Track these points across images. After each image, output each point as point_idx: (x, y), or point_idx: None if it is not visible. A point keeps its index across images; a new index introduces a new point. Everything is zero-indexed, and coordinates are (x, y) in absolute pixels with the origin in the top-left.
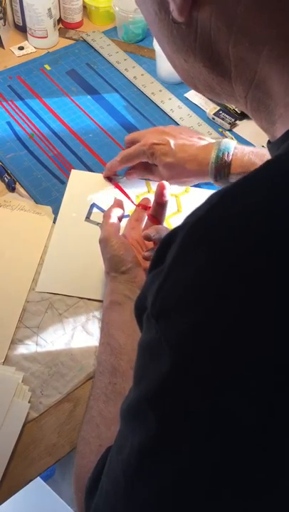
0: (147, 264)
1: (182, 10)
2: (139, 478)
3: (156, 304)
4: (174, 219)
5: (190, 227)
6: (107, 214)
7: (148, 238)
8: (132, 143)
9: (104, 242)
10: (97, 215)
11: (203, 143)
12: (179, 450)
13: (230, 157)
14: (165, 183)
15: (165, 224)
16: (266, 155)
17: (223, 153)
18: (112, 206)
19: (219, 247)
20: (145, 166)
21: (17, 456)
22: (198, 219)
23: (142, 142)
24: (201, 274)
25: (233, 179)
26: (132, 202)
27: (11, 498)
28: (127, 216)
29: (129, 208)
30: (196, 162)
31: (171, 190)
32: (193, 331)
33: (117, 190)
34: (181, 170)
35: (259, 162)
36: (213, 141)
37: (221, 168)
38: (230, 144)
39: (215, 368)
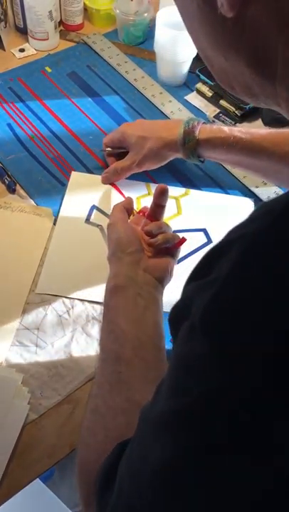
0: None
1: (233, 5)
2: (174, 492)
3: (208, 316)
4: (174, 221)
5: (251, 239)
6: (116, 205)
7: (150, 233)
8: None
9: (112, 226)
10: (97, 217)
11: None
12: (223, 467)
13: (200, 124)
14: (165, 185)
15: None
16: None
17: (193, 120)
18: (123, 201)
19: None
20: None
21: (16, 457)
22: (259, 231)
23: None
24: (275, 291)
25: (201, 145)
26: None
27: (9, 500)
28: None
29: None
30: (165, 128)
31: (170, 192)
32: (255, 353)
33: (117, 193)
34: (150, 141)
35: (228, 130)
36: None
37: (190, 132)
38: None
39: (275, 396)
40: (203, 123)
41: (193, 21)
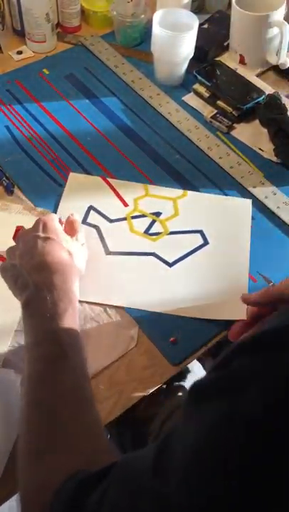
0: None
1: None
2: None
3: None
4: (171, 222)
5: None
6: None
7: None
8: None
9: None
10: (94, 218)
11: None
12: None
13: None
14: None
15: (162, 227)
16: None
17: None
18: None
19: None
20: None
21: (15, 459)
22: None
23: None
24: None
25: None
26: (127, 205)
27: (11, 497)
28: (121, 219)
29: (124, 211)
30: None
31: (168, 193)
32: None
33: (113, 194)
34: None
35: None
36: None
37: None
38: None
39: None
40: None
41: None
